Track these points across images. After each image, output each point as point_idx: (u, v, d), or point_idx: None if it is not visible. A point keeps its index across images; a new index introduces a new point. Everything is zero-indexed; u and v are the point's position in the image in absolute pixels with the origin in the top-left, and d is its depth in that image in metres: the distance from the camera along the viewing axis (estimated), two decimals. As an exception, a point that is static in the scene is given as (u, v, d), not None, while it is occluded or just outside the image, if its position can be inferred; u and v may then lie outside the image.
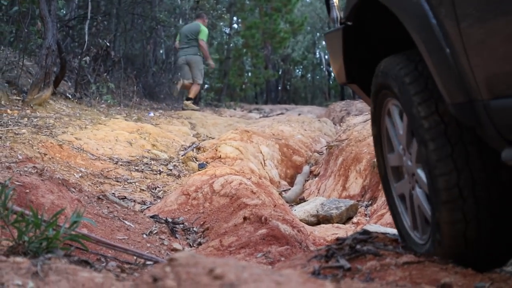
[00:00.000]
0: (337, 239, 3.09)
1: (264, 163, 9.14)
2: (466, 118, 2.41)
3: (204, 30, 15.86)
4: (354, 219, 6.31)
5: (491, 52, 2.23)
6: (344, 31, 3.30)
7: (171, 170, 7.81)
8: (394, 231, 4.23)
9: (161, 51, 21.49)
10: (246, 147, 9.08)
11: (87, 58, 13.54)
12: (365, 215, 6.36)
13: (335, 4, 3.55)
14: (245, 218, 4.64)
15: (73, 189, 4.83)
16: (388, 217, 5.39)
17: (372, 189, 6.86)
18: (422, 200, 2.84)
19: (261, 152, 9.32)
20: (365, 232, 3.20)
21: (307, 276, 1.80)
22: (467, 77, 2.36)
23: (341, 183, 7.53)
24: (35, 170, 4.63)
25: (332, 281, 2.45)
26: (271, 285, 1.71)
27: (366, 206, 6.61)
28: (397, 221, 3.21)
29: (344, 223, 6.30)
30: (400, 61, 2.84)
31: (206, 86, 24.28)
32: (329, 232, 5.73)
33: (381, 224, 5.28)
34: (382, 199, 6.21)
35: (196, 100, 20.41)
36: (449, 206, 2.55)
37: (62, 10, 15.16)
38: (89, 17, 13.26)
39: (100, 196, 5.07)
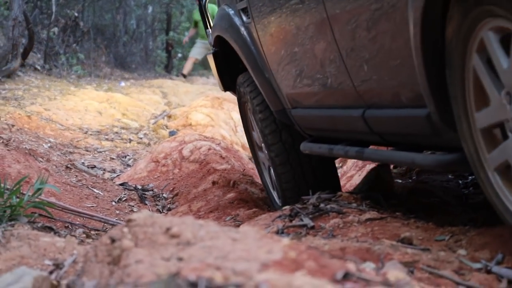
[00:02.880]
0: (302, 198, 3.11)
1: (236, 130, 9.13)
2: (284, 120, 3.77)
3: None
4: (325, 182, 6.33)
5: (285, 78, 3.56)
6: (214, 54, 4.39)
7: (141, 138, 7.80)
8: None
9: (131, 21, 21.29)
10: (217, 114, 9.07)
11: (56, 29, 13.40)
12: (336, 177, 6.38)
13: (211, 32, 4.56)
14: (214, 183, 4.65)
15: (40, 159, 4.81)
16: (358, 178, 5.42)
17: (343, 152, 6.88)
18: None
19: (232, 119, 9.30)
20: (330, 191, 3.23)
21: (264, 233, 1.81)
22: (279, 93, 3.71)
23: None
24: (1, 141, 4.60)
25: (292, 238, 2.47)
26: (228, 242, 1.72)
27: (337, 168, 6.64)
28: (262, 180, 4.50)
29: (315, 186, 6.33)
30: (246, 78, 4.10)
31: (179, 55, 24.11)
32: (299, 195, 5.75)
33: (351, 185, 5.31)
34: (351, 161, 6.24)
35: (168, 69, 20.52)
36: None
37: (28, -19, 14.96)
38: (56, -13, 13.10)
39: (69, 165, 5.07)
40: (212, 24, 4.58)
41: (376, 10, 2.53)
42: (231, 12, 4.03)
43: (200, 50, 16.34)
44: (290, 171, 3.83)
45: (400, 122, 2.73)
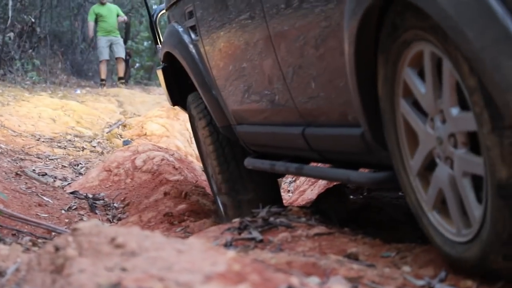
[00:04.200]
0: (252, 211, 3.11)
1: (191, 141, 9.10)
2: (229, 135, 3.90)
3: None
4: (277, 195, 6.35)
5: (231, 95, 3.69)
6: (163, 70, 4.50)
7: (94, 147, 7.74)
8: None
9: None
10: (172, 125, 9.04)
11: (12, 34, 13.24)
12: (288, 191, 6.41)
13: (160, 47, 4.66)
14: (165, 194, 4.64)
15: (-11, 165, 4.74)
16: (310, 193, 5.45)
17: (296, 166, 6.91)
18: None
19: (187, 130, 9.27)
20: (280, 205, 3.25)
21: (210, 245, 1.81)
22: (225, 110, 3.84)
23: (266, 160, 7.57)
24: (-51, 145, 4.53)
25: (239, 251, 2.48)
26: (173, 253, 1.71)
27: (290, 182, 6.67)
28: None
29: (267, 200, 6.34)
30: (194, 97, 4.23)
31: (137, 64, 24.02)
32: (252, 208, 5.76)
33: (303, 199, 5.34)
34: (305, 175, 6.28)
35: (126, 78, 20.15)
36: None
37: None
38: (13, -8, 12.96)
39: (19, 172, 5.00)
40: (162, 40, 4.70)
41: (312, 32, 2.66)
42: (180, 29, 4.13)
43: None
44: (232, 186, 3.98)
45: (336, 140, 2.84)
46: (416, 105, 2.19)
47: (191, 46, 4.02)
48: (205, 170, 4.54)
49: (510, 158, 1.75)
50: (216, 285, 1.47)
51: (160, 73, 4.57)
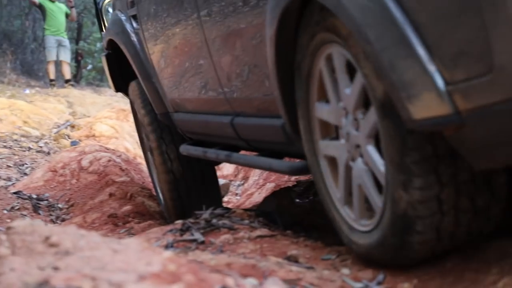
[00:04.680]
0: (194, 213, 3.10)
1: (140, 143, 9.05)
2: (167, 122, 4.04)
3: None
4: (225, 198, 6.34)
5: (168, 84, 3.86)
6: (107, 57, 4.59)
7: (41, 147, 7.63)
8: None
9: (41, 29, 20.87)
10: (122, 126, 8.96)
11: (-40, 31, 13.00)
12: (236, 194, 6.41)
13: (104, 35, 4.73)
14: (111, 195, 4.60)
15: None
16: (257, 196, 5.45)
17: (245, 169, 6.91)
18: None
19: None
20: (224, 207, 3.24)
21: (146, 245, 1.79)
22: (164, 98, 3.99)
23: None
24: None
25: (179, 252, 2.46)
26: (108, 253, 1.69)
27: (238, 186, 6.67)
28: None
29: (215, 202, 6.32)
30: (136, 85, 4.33)
31: (89, 66, 23.81)
32: (199, 211, 5.73)
33: (250, 202, 5.34)
34: (253, 178, 6.27)
35: (77, 79, 19.90)
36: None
37: None
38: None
39: (-40, 171, 4.91)
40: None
41: (239, 27, 2.85)
42: (123, 18, 4.25)
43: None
44: (171, 176, 4.12)
45: (261, 130, 3.04)
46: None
47: (133, 35, 4.15)
48: (147, 161, 4.67)
49: (403, 148, 1.94)
50: (149, 285, 1.45)
51: (104, 60, 4.69)
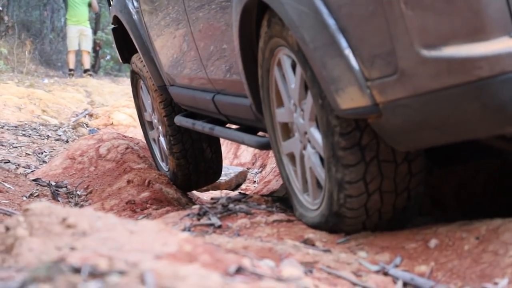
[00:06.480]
0: (212, 198, 3.10)
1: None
2: (166, 94, 4.40)
3: None
4: (243, 186, 6.35)
5: (165, 60, 4.17)
6: (113, 30, 4.94)
7: (60, 135, 7.67)
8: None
9: (61, 19, 20.94)
10: (140, 115, 8.98)
11: (-22, 21, 13.08)
12: (254, 181, 6.41)
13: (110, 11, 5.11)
14: (129, 182, 4.60)
15: (-50, 151, 4.68)
16: (275, 183, 5.45)
17: (263, 157, 6.91)
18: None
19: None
20: (240, 193, 3.25)
21: (163, 226, 1.79)
22: (161, 71, 4.31)
23: (233, 151, 7.55)
24: None
25: (196, 235, 2.47)
26: (124, 234, 1.70)
27: (256, 173, 6.67)
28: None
29: (233, 190, 6.34)
30: (138, 57, 4.63)
31: (108, 56, 23.85)
32: (217, 198, 5.74)
33: (268, 189, 5.34)
34: (271, 166, 6.27)
35: (96, 69, 19.94)
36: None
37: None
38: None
39: (-21, 159, 4.94)
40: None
41: (215, 13, 3.23)
42: None
43: None
44: (181, 143, 4.50)
45: (235, 107, 3.40)
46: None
47: (133, 13, 4.50)
48: (145, 133, 5.14)
49: (333, 136, 2.29)
50: (165, 265, 1.45)
51: (112, 31, 5.04)
